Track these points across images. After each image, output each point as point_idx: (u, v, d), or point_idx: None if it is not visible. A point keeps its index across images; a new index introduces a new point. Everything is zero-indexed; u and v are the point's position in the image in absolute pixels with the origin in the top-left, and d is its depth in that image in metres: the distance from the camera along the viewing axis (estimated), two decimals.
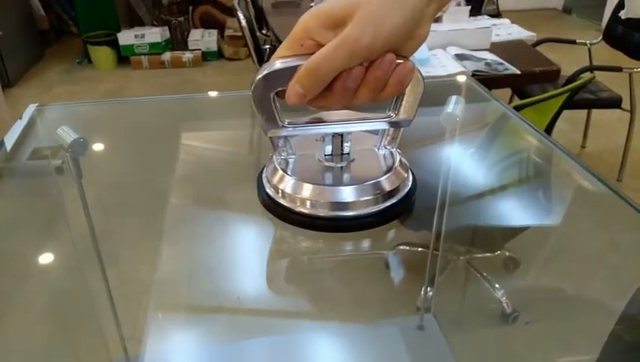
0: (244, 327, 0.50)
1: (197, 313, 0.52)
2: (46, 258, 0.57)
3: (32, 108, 0.78)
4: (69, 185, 0.65)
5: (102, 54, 3.93)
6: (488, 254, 0.60)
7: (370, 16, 0.38)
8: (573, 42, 2.62)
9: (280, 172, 0.53)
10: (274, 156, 0.54)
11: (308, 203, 0.52)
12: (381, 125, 0.52)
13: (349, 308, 0.54)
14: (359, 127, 0.51)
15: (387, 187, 0.52)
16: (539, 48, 2.21)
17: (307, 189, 0.52)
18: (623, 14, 2.39)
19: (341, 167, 0.55)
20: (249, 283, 0.54)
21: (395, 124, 0.51)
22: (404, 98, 0.48)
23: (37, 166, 0.71)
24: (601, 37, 2.56)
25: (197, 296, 0.53)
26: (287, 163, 0.54)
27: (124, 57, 3.96)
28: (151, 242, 0.58)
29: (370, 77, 0.41)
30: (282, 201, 0.53)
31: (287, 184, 0.52)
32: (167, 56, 3.96)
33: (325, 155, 0.55)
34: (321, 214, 0.51)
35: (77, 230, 0.59)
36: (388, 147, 0.56)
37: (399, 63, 0.41)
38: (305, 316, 0.52)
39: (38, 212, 0.65)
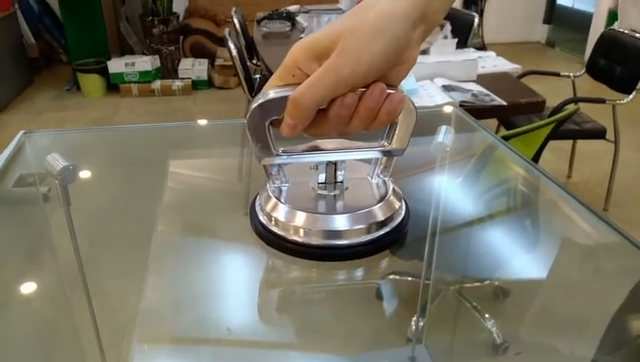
0: (233, 359, 0.49)
1: (184, 344, 0.51)
2: (30, 287, 0.56)
3: (19, 134, 0.78)
4: (53, 212, 0.64)
5: (91, 82, 3.94)
6: (477, 284, 0.59)
7: (351, 45, 0.39)
8: (558, 75, 2.69)
9: (273, 200, 0.53)
10: (267, 184, 0.54)
11: (301, 231, 0.51)
12: (374, 154, 0.52)
13: (340, 340, 0.53)
14: (353, 156, 0.52)
15: (380, 216, 0.52)
16: (524, 80, 2.26)
17: (300, 217, 0.51)
18: (616, 25, 2.47)
19: (334, 195, 0.55)
20: (239, 314, 0.53)
21: (388, 153, 0.51)
22: (397, 127, 0.48)
23: (23, 193, 0.70)
24: (584, 70, 2.63)
25: (184, 326, 0.52)
26: (280, 191, 0.54)
27: (113, 85, 3.97)
28: (138, 271, 0.57)
29: (362, 107, 0.41)
30: (275, 229, 0.52)
31: (281, 212, 0.52)
32: (157, 84, 3.98)
33: (319, 183, 0.55)
34: (314, 242, 0.51)
35: (61, 258, 0.58)
36: (381, 176, 0.56)
37: (390, 93, 0.42)
38: (296, 347, 0.51)
39: (24, 240, 0.64)
